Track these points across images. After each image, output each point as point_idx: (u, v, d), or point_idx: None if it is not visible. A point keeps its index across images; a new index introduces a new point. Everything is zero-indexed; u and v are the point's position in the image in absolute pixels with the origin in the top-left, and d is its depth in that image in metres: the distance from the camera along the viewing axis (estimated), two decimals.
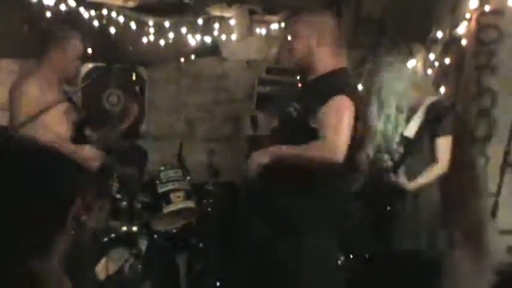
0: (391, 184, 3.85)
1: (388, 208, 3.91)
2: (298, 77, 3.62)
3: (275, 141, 3.45)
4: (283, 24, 6.35)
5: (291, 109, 3.36)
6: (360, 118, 3.36)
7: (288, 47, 3.50)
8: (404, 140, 3.96)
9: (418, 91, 3.99)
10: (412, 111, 3.97)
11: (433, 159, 3.95)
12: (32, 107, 3.79)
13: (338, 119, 3.19)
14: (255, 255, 3.45)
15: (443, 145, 3.96)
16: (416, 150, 3.92)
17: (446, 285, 4.27)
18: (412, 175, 3.89)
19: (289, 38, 3.52)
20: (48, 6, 5.76)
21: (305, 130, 3.26)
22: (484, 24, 4.30)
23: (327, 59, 3.39)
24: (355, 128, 3.25)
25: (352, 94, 3.30)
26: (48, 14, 5.83)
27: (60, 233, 1.59)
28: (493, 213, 4.06)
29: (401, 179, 3.84)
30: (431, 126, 3.90)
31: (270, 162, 3.26)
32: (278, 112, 3.55)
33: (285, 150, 3.27)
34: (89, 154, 3.95)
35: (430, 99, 3.96)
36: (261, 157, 3.30)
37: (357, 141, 3.33)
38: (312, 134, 3.23)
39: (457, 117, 3.99)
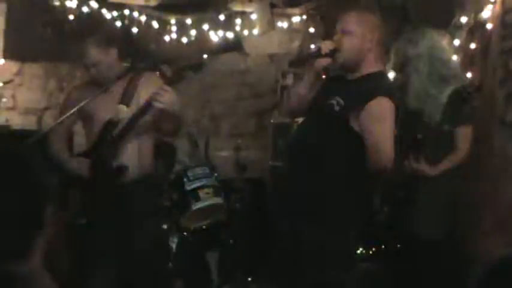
0: (412, 170, 3.82)
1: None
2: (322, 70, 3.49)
3: (304, 136, 3.40)
4: (304, 17, 6.32)
5: (334, 102, 3.24)
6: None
7: (334, 45, 3.34)
8: (425, 125, 3.93)
9: (447, 70, 3.95)
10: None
11: (452, 147, 3.91)
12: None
13: (382, 124, 3.12)
14: (284, 250, 3.41)
15: (464, 134, 3.92)
16: (436, 138, 3.88)
17: (476, 272, 4.23)
18: (430, 162, 3.86)
19: (336, 36, 3.32)
20: (70, 8, 5.79)
21: (343, 127, 3.19)
22: (509, 7, 4.22)
23: (372, 59, 3.32)
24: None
25: (393, 95, 3.25)
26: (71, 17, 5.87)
27: (39, 232, 1.56)
28: None
29: (423, 165, 3.81)
30: (453, 114, 3.86)
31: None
32: (316, 103, 3.44)
33: None
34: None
35: (453, 86, 3.92)
36: None
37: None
38: (349, 134, 3.18)
39: (481, 103, 3.93)
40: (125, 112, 3.86)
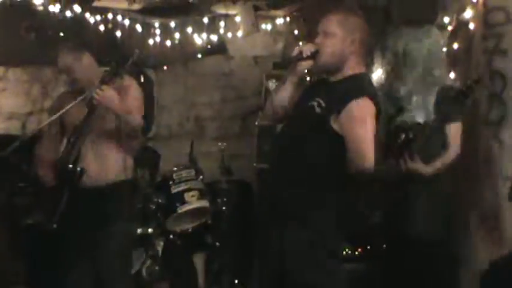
0: (407, 169, 3.82)
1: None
2: (305, 71, 3.47)
3: (286, 138, 3.40)
4: (288, 19, 6.32)
5: (314, 103, 3.23)
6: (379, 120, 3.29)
7: (315, 47, 3.32)
8: (415, 124, 3.94)
9: (441, 69, 3.97)
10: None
11: (443, 144, 3.93)
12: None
13: (362, 125, 3.11)
14: (272, 253, 3.40)
15: (455, 130, 3.94)
16: (427, 136, 3.90)
17: (464, 270, 4.26)
18: (423, 161, 3.87)
19: (317, 38, 3.30)
20: (54, 13, 5.77)
21: (324, 128, 3.18)
22: (491, 7, 4.26)
23: (354, 61, 3.31)
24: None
25: (374, 96, 3.25)
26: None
27: None
28: (510, 197, 4.03)
29: (418, 164, 3.82)
30: (442, 112, 3.87)
31: None
32: (297, 106, 3.42)
33: None
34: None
35: (446, 84, 3.94)
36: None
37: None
38: (330, 135, 3.18)
39: (467, 102, 3.95)
40: None
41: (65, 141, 3.93)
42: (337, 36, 3.26)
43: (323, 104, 3.21)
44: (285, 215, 3.27)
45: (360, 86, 3.24)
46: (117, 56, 5.70)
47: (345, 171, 3.15)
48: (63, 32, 6.05)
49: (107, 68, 3.87)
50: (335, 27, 3.27)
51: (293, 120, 3.42)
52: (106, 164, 3.93)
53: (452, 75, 4.48)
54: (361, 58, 3.34)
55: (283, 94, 3.42)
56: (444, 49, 4.27)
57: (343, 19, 3.29)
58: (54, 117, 3.84)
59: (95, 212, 3.86)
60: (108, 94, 3.70)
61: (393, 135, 3.98)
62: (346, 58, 3.28)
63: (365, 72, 3.39)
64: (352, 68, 3.29)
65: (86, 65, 3.94)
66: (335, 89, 3.27)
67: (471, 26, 4.44)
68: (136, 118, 3.90)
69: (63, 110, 3.79)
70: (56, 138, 4.06)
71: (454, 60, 4.53)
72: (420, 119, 4.02)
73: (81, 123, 3.81)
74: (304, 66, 3.32)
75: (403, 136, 3.86)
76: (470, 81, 3.83)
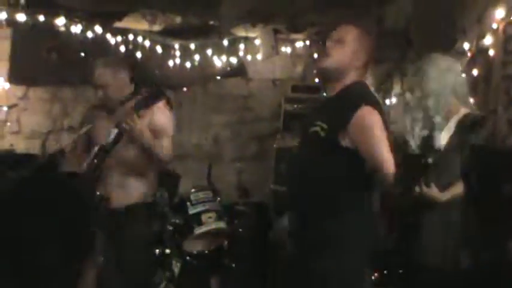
0: (421, 195, 3.80)
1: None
2: (324, 94, 3.49)
3: (300, 161, 3.40)
4: (307, 42, 6.36)
5: (317, 128, 3.19)
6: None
7: (324, 51, 3.33)
8: (434, 150, 3.92)
9: (455, 98, 3.95)
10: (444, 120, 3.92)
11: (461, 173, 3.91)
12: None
13: (372, 132, 3.11)
14: (288, 273, 3.40)
15: None
16: (444, 162, 3.88)
17: None
18: (439, 188, 3.85)
19: (330, 42, 3.28)
20: (75, 34, 5.84)
21: (334, 149, 3.19)
22: (511, 34, 4.26)
23: (355, 73, 3.31)
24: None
25: (377, 104, 3.24)
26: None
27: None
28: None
29: (434, 190, 3.80)
30: (463, 139, 3.85)
31: None
32: (302, 130, 3.42)
33: None
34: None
35: (463, 111, 3.92)
36: None
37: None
38: (342, 152, 3.17)
39: (489, 129, 3.94)
40: None
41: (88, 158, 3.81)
42: (348, 47, 3.27)
43: (325, 127, 3.20)
44: (304, 235, 3.27)
45: (359, 95, 3.23)
46: (138, 77, 5.79)
47: (364, 189, 3.16)
48: (84, 53, 6.12)
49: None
50: (349, 38, 3.28)
51: (303, 145, 3.43)
52: (127, 189, 3.91)
53: (471, 102, 4.47)
54: (361, 75, 3.34)
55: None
56: (463, 75, 4.26)
57: (358, 33, 3.30)
58: (83, 130, 3.84)
59: (117, 234, 3.87)
60: (139, 124, 3.66)
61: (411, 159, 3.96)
62: (349, 70, 3.27)
63: (360, 80, 3.36)
64: (350, 80, 3.29)
65: (121, 82, 3.88)
66: (335, 105, 3.26)
67: (491, 52, 4.44)
68: (166, 155, 3.89)
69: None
70: (82, 155, 3.98)
71: (473, 87, 4.52)
72: (439, 143, 4.00)
73: (109, 145, 3.70)
74: None
75: (421, 161, 3.85)
76: (487, 112, 3.82)
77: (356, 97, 3.20)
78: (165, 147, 3.88)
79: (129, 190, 3.92)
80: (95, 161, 3.68)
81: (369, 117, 3.13)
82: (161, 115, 3.89)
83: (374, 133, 3.10)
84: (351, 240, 3.22)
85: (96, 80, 3.85)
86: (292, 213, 3.41)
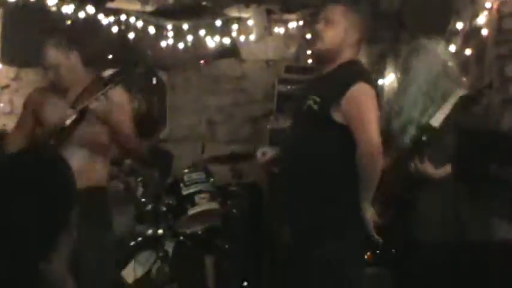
0: (417, 172, 3.81)
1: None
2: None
3: (293, 140, 3.40)
4: (301, 23, 6.33)
5: (310, 102, 3.22)
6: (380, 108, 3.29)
7: (315, 33, 3.34)
8: (430, 129, 3.92)
9: (448, 81, 3.94)
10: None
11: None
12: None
13: (364, 111, 3.12)
14: (280, 255, 3.41)
15: None
16: (440, 141, 3.88)
17: None
18: (435, 165, 3.85)
19: (319, 24, 3.34)
20: (67, 14, 5.79)
21: (327, 124, 3.19)
22: (504, 13, 4.25)
23: (348, 54, 3.32)
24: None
25: (372, 82, 3.25)
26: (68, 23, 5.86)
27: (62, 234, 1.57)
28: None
29: (428, 167, 3.81)
30: (458, 119, 3.86)
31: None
32: (295, 108, 3.45)
33: None
34: None
35: (460, 92, 3.92)
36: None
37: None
38: (335, 128, 3.17)
39: (479, 107, 3.94)
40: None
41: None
42: (339, 26, 3.28)
43: (318, 100, 3.20)
44: (299, 217, 3.27)
45: (355, 71, 3.25)
46: (130, 57, 5.77)
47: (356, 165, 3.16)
48: (75, 33, 6.08)
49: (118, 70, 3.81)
50: (338, 17, 3.30)
51: (296, 124, 3.43)
52: (87, 171, 3.71)
53: (464, 81, 4.47)
54: (355, 54, 3.35)
55: None
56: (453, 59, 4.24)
57: (347, 11, 3.33)
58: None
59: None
60: (106, 104, 3.56)
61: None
62: (342, 49, 3.29)
63: (357, 59, 3.37)
64: (345, 59, 3.29)
65: (72, 63, 3.80)
66: (329, 80, 3.28)
67: (484, 32, 4.43)
68: (130, 140, 3.82)
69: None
70: (28, 134, 3.92)
71: (466, 66, 4.51)
72: (435, 123, 4.00)
73: (70, 128, 3.64)
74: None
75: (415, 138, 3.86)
76: (482, 86, 3.82)
77: (352, 73, 3.22)
78: (126, 128, 3.79)
79: (89, 173, 3.76)
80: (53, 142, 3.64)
81: (363, 93, 3.14)
82: (117, 98, 3.77)
83: (366, 110, 3.11)
84: (349, 221, 3.23)
85: (47, 61, 3.78)
86: (287, 195, 3.42)
